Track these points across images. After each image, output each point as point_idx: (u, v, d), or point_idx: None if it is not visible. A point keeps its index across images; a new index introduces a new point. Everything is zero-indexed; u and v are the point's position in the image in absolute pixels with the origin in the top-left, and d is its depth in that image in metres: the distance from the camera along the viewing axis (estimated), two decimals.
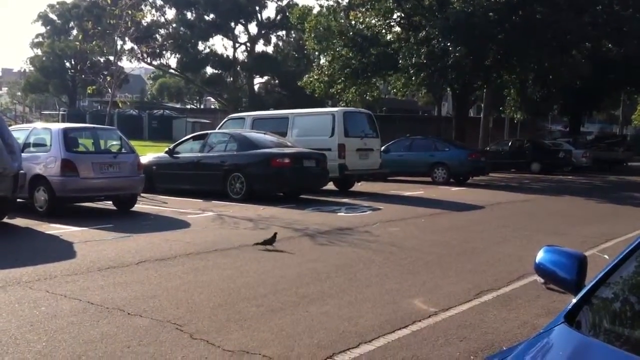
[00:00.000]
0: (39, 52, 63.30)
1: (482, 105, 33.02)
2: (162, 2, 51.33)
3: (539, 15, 22.40)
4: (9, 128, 10.51)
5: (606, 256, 7.43)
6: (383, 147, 19.11)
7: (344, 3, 27.21)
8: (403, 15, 26.27)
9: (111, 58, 22.46)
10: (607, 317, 2.20)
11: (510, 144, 29.21)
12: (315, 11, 31.21)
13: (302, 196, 14.41)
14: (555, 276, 2.47)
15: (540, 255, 2.57)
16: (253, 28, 53.92)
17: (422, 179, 20.34)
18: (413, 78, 24.98)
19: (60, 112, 53.67)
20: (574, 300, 2.23)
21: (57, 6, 63.68)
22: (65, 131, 11.14)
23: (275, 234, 8.13)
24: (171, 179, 14.70)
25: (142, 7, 41.82)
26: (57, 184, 10.53)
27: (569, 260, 2.45)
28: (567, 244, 7.84)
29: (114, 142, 12.33)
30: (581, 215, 12.86)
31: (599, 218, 12.32)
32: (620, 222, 11.61)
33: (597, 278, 2.27)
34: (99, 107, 57.70)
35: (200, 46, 52.44)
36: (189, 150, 15.11)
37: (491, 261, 7.62)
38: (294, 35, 52.62)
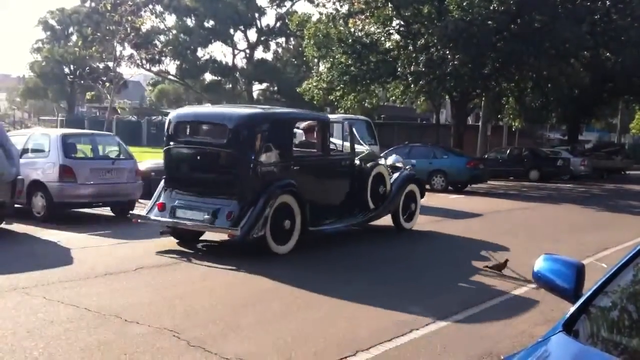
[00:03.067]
0: (38, 57, 63.32)
1: (481, 113, 33.06)
2: (161, 9, 51.37)
3: (537, 24, 22.46)
4: (7, 134, 10.50)
5: (604, 265, 7.43)
6: (382, 155, 19.09)
7: (344, 10, 27.26)
8: (402, 23, 26.33)
9: (110, 64, 22.52)
10: (605, 326, 2.20)
11: (508, 151, 29.19)
12: (314, 18, 31.28)
13: None
14: (554, 284, 2.47)
15: (539, 264, 2.57)
16: (252, 35, 53.99)
17: None
18: (412, 86, 25.00)
19: (59, 118, 53.56)
20: (572, 309, 2.23)
21: (57, 12, 63.72)
22: (64, 137, 11.12)
23: (507, 260, 7.46)
24: None
25: (142, 13, 41.91)
26: (55, 190, 10.51)
27: (567, 268, 2.45)
28: (565, 252, 7.83)
29: (113, 148, 12.32)
30: (579, 223, 12.86)
31: (597, 226, 12.32)
32: (618, 231, 11.61)
33: (595, 287, 2.27)
34: (98, 113, 57.70)
35: (200, 53, 52.46)
36: None
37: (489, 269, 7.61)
38: (293, 42, 52.70)
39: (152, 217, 8.34)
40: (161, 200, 8.41)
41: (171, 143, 8.55)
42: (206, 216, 7.78)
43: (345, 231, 9.77)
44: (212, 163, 8.33)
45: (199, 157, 8.34)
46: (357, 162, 9.61)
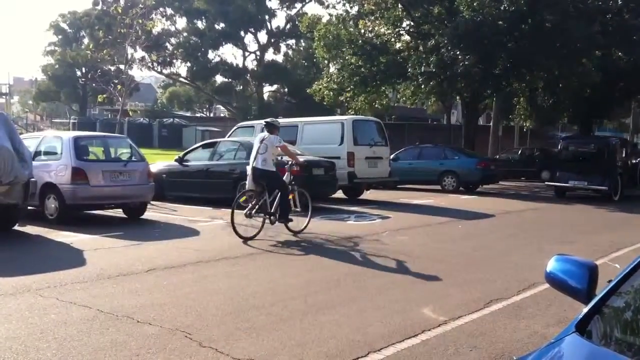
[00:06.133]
0: (50, 60, 63.81)
1: (492, 113, 32.93)
2: (172, 11, 51.64)
3: (548, 23, 22.32)
4: (20, 136, 10.59)
5: (617, 265, 7.37)
6: (392, 156, 19.08)
7: (354, 12, 27.25)
8: (412, 24, 26.28)
9: (122, 67, 22.64)
10: (619, 327, 2.18)
11: (520, 152, 29.10)
12: (324, 20, 31.31)
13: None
14: (566, 285, 2.46)
15: (551, 264, 2.56)
16: (263, 37, 54.14)
17: (432, 187, 20.29)
18: (422, 86, 24.94)
19: (71, 121, 53.95)
20: (585, 310, 2.21)
21: (69, 15, 64.22)
22: (76, 139, 11.20)
23: None
24: (181, 187, 14.73)
25: (153, 16, 42.10)
26: (67, 192, 10.58)
27: (580, 269, 2.44)
28: (578, 252, 7.76)
29: (124, 151, 12.39)
30: (592, 223, 12.78)
31: (610, 227, 12.24)
32: (631, 231, 11.53)
33: (608, 287, 2.25)
34: (110, 115, 58.06)
35: (211, 55, 52.67)
36: (198, 159, 15.13)
37: (501, 270, 7.58)
38: (303, 43, 52.76)
39: (554, 183, 18.62)
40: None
41: (564, 151, 19.35)
42: (586, 183, 17.78)
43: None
44: (587, 159, 18.38)
45: (580, 158, 18.63)
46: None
